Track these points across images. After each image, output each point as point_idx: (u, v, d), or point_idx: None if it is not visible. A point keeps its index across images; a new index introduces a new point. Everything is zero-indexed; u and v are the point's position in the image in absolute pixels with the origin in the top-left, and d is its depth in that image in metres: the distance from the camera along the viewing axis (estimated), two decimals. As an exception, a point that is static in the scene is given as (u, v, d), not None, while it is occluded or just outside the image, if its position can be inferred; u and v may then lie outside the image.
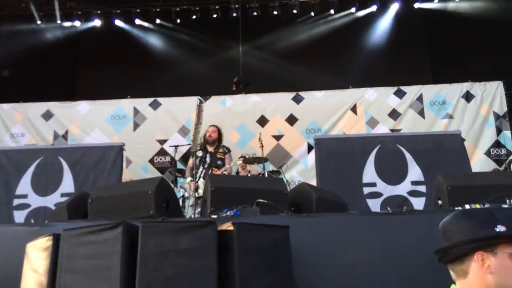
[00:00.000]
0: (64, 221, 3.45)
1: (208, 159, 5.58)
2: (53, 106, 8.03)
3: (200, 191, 4.83)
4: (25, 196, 6.07)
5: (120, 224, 2.40)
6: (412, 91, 8.17)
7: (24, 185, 6.07)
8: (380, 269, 2.95)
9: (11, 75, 9.11)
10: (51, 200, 5.99)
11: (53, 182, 6.06)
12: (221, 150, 5.67)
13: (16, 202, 6.09)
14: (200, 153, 5.60)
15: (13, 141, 7.77)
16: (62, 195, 5.96)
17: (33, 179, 6.09)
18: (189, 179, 5.42)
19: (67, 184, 6.04)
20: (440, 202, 3.60)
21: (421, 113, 7.97)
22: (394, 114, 7.96)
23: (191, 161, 6.09)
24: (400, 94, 8.14)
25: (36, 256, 2.63)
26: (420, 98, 8.15)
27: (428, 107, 7.98)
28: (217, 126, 5.90)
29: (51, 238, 2.55)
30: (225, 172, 5.53)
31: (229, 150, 5.87)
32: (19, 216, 6.03)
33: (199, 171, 5.36)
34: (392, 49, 9.27)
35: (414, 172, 5.84)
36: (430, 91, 8.15)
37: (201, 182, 5.07)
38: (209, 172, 5.58)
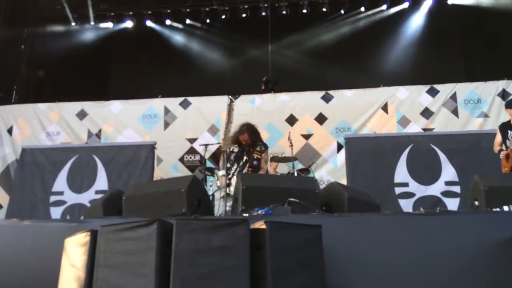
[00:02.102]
0: (99, 217, 3.54)
1: (244, 158, 5.38)
2: (87, 105, 8.24)
3: (232, 188, 4.83)
4: (61, 193, 6.28)
5: (155, 221, 2.44)
6: (445, 89, 7.96)
7: (60, 182, 6.29)
8: (413, 271, 2.90)
9: (47, 76, 9.40)
10: (86, 197, 6.19)
11: (88, 180, 6.26)
12: (258, 149, 5.40)
13: (52, 198, 6.31)
14: (236, 149, 5.39)
15: (49, 139, 8.02)
16: (97, 192, 6.14)
17: (68, 176, 6.31)
18: (221, 172, 5.27)
19: (101, 182, 6.22)
20: (476, 203, 3.51)
21: (455, 112, 7.76)
22: (426, 113, 7.78)
23: (222, 158, 6.02)
24: (433, 92, 7.95)
25: (74, 251, 2.71)
26: (453, 97, 7.95)
27: (462, 105, 7.77)
28: (247, 130, 5.47)
29: (89, 234, 2.62)
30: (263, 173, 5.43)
31: (266, 147, 5.58)
32: (56, 213, 6.25)
33: (233, 168, 5.27)
34: (425, 46, 9.07)
35: (448, 172, 5.72)
36: (464, 89, 7.93)
37: (233, 180, 5.06)
38: (243, 171, 5.47)
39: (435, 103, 7.88)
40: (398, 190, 5.75)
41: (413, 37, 9.21)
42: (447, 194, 5.70)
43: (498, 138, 5.02)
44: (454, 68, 8.99)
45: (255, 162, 5.41)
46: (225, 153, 4.58)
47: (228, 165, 5.24)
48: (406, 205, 5.67)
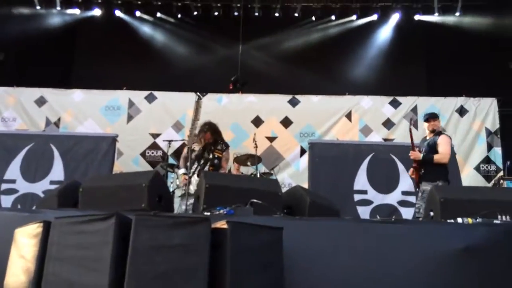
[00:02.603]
0: (54, 209, 3.40)
1: (205, 156, 5.38)
2: (47, 92, 7.95)
3: (192, 187, 4.78)
4: (13, 181, 6.00)
5: (113, 215, 2.37)
6: (407, 102, 8.23)
7: (13, 170, 6.00)
8: (370, 275, 2.96)
9: (7, 59, 8.98)
10: (40, 187, 5.93)
11: (43, 169, 6.00)
12: (219, 147, 5.41)
13: (3, 186, 6.02)
14: (197, 147, 5.35)
15: (4, 125, 7.68)
16: (51, 182, 5.90)
17: (22, 164, 6.03)
18: (181, 171, 5.26)
19: (57, 172, 5.98)
20: (432, 213, 3.62)
21: (415, 124, 8.01)
22: (388, 124, 8.02)
23: (185, 151, 5.91)
24: (395, 104, 8.20)
25: (25, 242, 2.59)
26: (414, 109, 8.23)
27: (422, 118, 8.02)
28: (208, 129, 5.46)
29: (42, 225, 2.52)
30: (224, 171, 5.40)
31: (227, 147, 5.57)
32: (6, 201, 5.97)
33: (194, 167, 5.22)
34: (390, 58, 9.32)
35: (405, 182, 5.88)
36: (425, 103, 8.22)
37: (194, 179, 5.01)
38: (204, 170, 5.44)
39: (397, 114, 8.12)
40: (357, 197, 5.86)
41: (379, 49, 9.43)
42: (403, 203, 5.86)
43: None
44: (416, 82, 9.29)
45: (216, 161, 5.37)
46: (189, 150, 4.51)
47: (189, 164, 5.20)
48: (364, 212, 5.79)
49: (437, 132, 5.08)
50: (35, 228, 2.56)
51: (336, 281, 2.96)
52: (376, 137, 7.93)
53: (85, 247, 2.37)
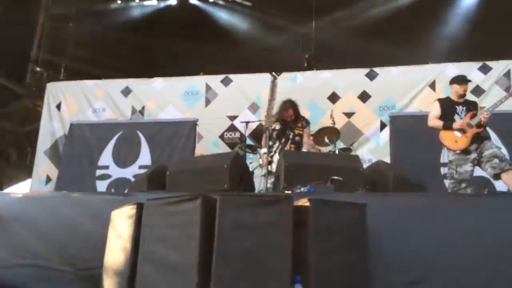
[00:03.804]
0: (144, 191, 3.62)
1: (287, 133, 5.39)
2: (132, 82, 8.39)
3: (274, 166, 4.80)
4: (106, 167, 6.50)
5: (199, 196, 2.46)
6: (499, 66, 7.52)
7: (106, 157, 6.50)
8: (460, 252, 2.79)
9: (93, 53, 9.63)
10: (130, 172, 6.37)
11: (132, 155, 6.43)
12: (299, 125, 5.43)
13: (98, 172, 6.54)
14: (277, 126, 5.41)
15: (95, 115, 8.25)
16: (140, 167, 6.31)
17: (114, 151, 6.50)
18: (263, 150, 5.31)
19: (145, 157, 6.38)
20: None
21: (508, 90, 7.33)
22: (477, 91, 7.39)
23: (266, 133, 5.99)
24: (485, 69, 7.53)
25: (121, 223, 2.79)
26: (507, 74, 7.51)
27: (518, 83, 7.34)
28: (290, 106, 5.52)
29: (135, 207, 2.69)
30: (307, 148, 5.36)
31: (307, 123, 5.59)
32: (101, 186, 6.48)
33: (275, 146, 5.26)
34: (478, 21, 8.55)
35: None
36: (520, 66, 7.46)
37: (275, 158, 5.04)
38: (286, 148, 5.44)
39: (487, 80, 7.46)
40: (444, 171, 5.54)
41: (465, 12, 8.70)
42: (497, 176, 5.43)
43: (436, 111, 4.92)
44: (508, 44, 8.45)
45: (297, 138, 5.37)
46: (267, 130, 4.54)
47: (270, 143, 5.25)
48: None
49: None
50: (129, 210, 2.74)
51: (423, 258, 2.84)
52: (464, 107, 7.37)
53: (175, 227, 2.50)
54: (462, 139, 4.62)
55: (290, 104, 5.39)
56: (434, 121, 4.89)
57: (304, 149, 5.38)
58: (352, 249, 2.54)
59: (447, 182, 5.35)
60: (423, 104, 7.37)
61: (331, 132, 6.10)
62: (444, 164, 5.67)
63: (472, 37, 8.47)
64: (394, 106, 7.50)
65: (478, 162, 4.62)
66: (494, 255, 2.75)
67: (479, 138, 4.61)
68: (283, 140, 5.28)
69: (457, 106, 4.83)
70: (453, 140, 4.67)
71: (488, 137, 4.74)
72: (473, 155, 4.59)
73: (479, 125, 4.59)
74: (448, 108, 4.86)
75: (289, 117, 5.42)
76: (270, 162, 4.81)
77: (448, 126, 4.72)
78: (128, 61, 9.12)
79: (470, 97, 7.29)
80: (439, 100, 5.08)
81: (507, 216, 2.84)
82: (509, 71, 7.45)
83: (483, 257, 2.77)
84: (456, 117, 4.77)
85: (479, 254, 2.79)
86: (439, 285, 2.78)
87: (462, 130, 4.64)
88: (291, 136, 5.31)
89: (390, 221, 2.95)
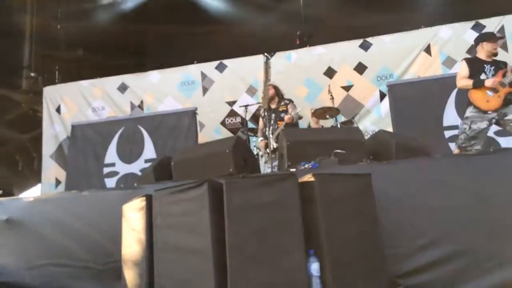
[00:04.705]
0: (152, 183, 3.67)
1: (272, 116, 5.68)
2: (127, 78, 8.39)
3: (271, 146, 4.89)
4: (113, 165, 6.56)
5: (205, 182, 2.50)
6: (492, 23, 7.44)
7: (111, 154, 6.55)
8: (467, 213, 2.83)
9: (86, 53, 9.61)
10: (137, 167, 6.43)
11: (136, 150, 6.48)
12: (282, 104, 5.82)
13: (105, 170, 6.60)
14: (266, 113, 5.73)
15: (96, 115, 8.28)
16: (146, 161, 6.36)
17: (118, 148, 6.55)
18: (260, 138, 5.58)
19: (149, 151, 6.42)
20: None
21: (504, 46, 7.28)
22: (473, 51, 7.32)
23: (261, 121, 6.18)
24: (478, 28, 7.46)
25: (133, 216, 2.84)
26: (501, 30, 7.44)
27: (511, 39, 7.28)
28: (271, 84, 5.78)
29: (145, 199, 2.74)
30: (290, 117, 5.57)
31: (290, 101, 5.97)
32: (110, 183, 6.55)
33: (267, 129, 5.49)
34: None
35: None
36: (514, 20, 7.39)
37: (271, 139, 5.15)
38: (276, 127, 5.62)
39: (482, 39, 7.41)
40: (448, 134, 5.56)
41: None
42: (499, 133, 5.46)
43: (464, 71, 4.62)
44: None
45: (282, 115, 5.68)
46: (264, 111, 4.58)
47: (264, 129, 5.52)
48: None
49: None
50: (139, 202, 2.79)
51: (431, 221, 2.88)
52: (461, 68, 7.33)
53: (185, 214, 2.55)
54: (495, 99, 4.33)
55: (272, 85, 5.78)
56: (462, 81, 4.57)
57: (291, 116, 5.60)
58: (362, 218, 2.59)
59: (453, 145, 5.37)
60: (420, 70, 7.35)
61: (331, 110, 6.15)
62: (448, 127, 5.69)
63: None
64: (391, 74, 7.48)
65: (497, 122, 4.41)
66: (503, 216, 2.78)
67: (509, 100, 4.33)
68: (272, 122, 5.49)
69: (485, 65, 4.53)
70: (485, 99, 4.38)
71: None
72: (493, 114, 4.36)
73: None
74: (476, 67, 4.57)
75: (272, 98, 5.78)
76: (266, 145, 4.94)
77: (479, 83, 4.40)
78: (121, 57, 9.09)
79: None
80: (466, 59, 4.80)
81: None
82: (502, 26, 7.38)
83: (490, 218, 2.80)
84: (483, 76, 4.48)
85: (484, 214, 2.82)
86: (450, 247, 2.83)
87: (494, 90, 4.36)
88: (276, 115, 5.55)
89: (396, 188, 2.98)
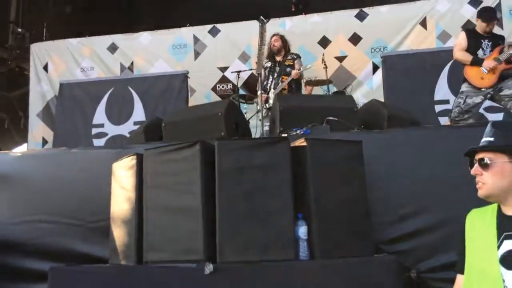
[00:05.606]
0: (142, 143, 3.65)
1: (277, 69, 5.45)
2: (117, 38, 8.18)
3: (271, 101, 4.82)
4: (101, 125, 6.48)
5: (197, 142, 2.50)
6: (489, -1, 7.40)
7: (100, 115, 6.46)
8: (454, 183, 2.87)
9: (75, 10, 9.32)
10: (126, 129, 6.36)
11: (126, 111, 6.40)
12: (289, 57, 5.44)
13: (94, 131, 6.53)
14: (268, 64, 5.44)
15: (84, 74, 8.10)
16: (135, 123, 6.30)
17: (107, 109, 6.46)
18: (259, 92, 5.38)
19: (139, 113, 6.35)
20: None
21: (499, 23, 7.24)
22: (469, 26, 7.31)
23: (263, 73, 5.97)
24: (475, 3, 7.39)
25: (123, 174, 2.83)
26: (498, 7, 7.38)
27: (508, 16, 7.24)
28: (279, 34, 5.70)
29: (135, 158, 2.72)
30: (297, 72, 5.28)
31: (298, 56, 5.57)
32: (98, 144, 6.48)
33: (269, 82, 5.27)
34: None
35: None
36: (511, -3, 7.33)
37: (271, 93, 5.06)
38: (279, 81, 5.44)
39: (479, 14, 7.35)
40: (438, 108, 5.58)
41: None
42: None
43: (463, 43, 4.47)
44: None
45: (288, 69, 5.41)
46: (259, 75, 4.51)
47: (264, 83, 5.29)
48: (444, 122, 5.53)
49: None
50: (129, 161, 2.77)
51: (419, 190, 2.93)
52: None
53: (176, 174, 2.55)
54: (489, 76, 4.24)
55: (280, 36, 5.60)
56: (461, 54, 4.44)
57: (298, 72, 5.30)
58: (351, 183, 2.61)
59: (443, 119, 5.41)
60: (414, 43, 7.29)
61: (324, 82, 6.13)
62: (439, 102, 5.71)
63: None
64: (386, 47, 7.42)
65: (492, 97, 4.36)
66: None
67: (504, 75, 4.24)
68: (275, 75, 5.30)
69: (482, 40, 4.41)
70: (479, 76, 4.28)
71: (511, 75, 4.29)
72: (488, 90, 4.28)
73: (508, 61, 4.21)
74: (473, 41, 4.43)
75: (276, 47, 5.51)
76: (267, 100, 4.82)
77: (477, 62, 4.29)
78: (111, 16, 8.86)
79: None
80: (466, 30, 4.67)
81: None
82: (499, 2, 7.33)
83: (476, 190, 2.85)
84: (480, 51, 4.38)
85: (472, 184, 2.87)
86: (434, 216, 2.90)
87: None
88: (281, 69, 5.34)
89: (385, 157, 3.02)
